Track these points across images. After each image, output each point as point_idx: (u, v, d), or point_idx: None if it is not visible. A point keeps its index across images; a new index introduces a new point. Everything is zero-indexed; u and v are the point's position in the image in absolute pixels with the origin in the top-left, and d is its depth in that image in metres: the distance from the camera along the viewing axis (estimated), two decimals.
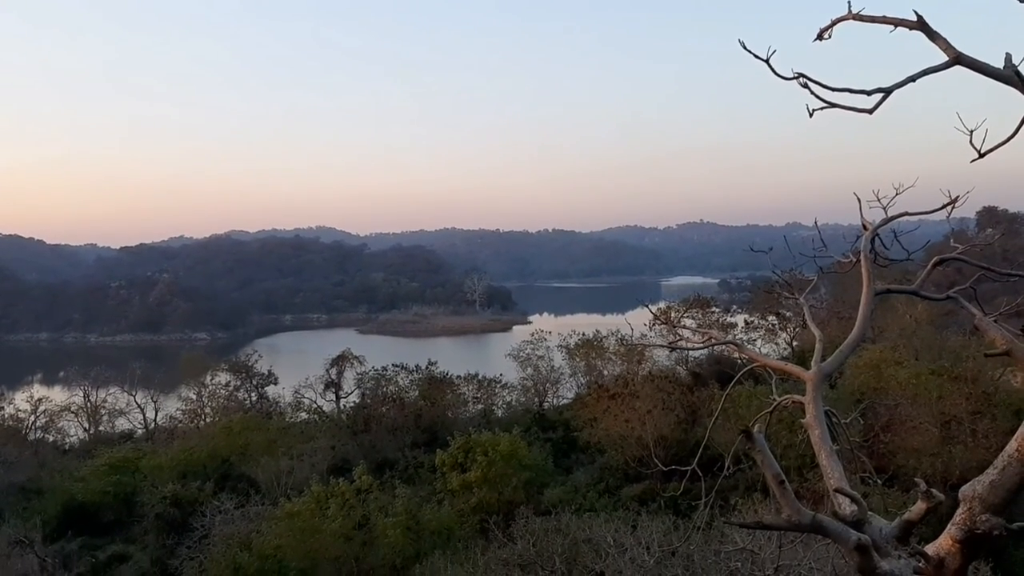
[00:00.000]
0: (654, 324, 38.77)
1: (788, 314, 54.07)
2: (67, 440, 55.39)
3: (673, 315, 38.86)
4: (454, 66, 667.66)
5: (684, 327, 13.89)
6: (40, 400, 56.74)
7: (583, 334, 57.78)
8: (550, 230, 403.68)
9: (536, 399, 55.32)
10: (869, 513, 5.75)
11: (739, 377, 9.05)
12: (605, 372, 52.33)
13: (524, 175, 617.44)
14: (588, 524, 20.13)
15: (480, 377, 53.78)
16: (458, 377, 52.88)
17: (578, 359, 56.04)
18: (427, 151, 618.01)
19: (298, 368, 67.22)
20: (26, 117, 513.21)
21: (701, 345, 10.49)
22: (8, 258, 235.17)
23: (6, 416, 52.72)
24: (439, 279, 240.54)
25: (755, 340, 55.40)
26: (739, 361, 40.49)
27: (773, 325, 57.27)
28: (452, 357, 79.22)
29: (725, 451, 8.18)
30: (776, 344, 56.36)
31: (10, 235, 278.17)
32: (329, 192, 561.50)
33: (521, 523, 20.75)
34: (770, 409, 7.65)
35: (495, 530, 20.99)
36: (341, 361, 57.90)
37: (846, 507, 5.74)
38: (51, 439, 53.74)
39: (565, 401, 54.29)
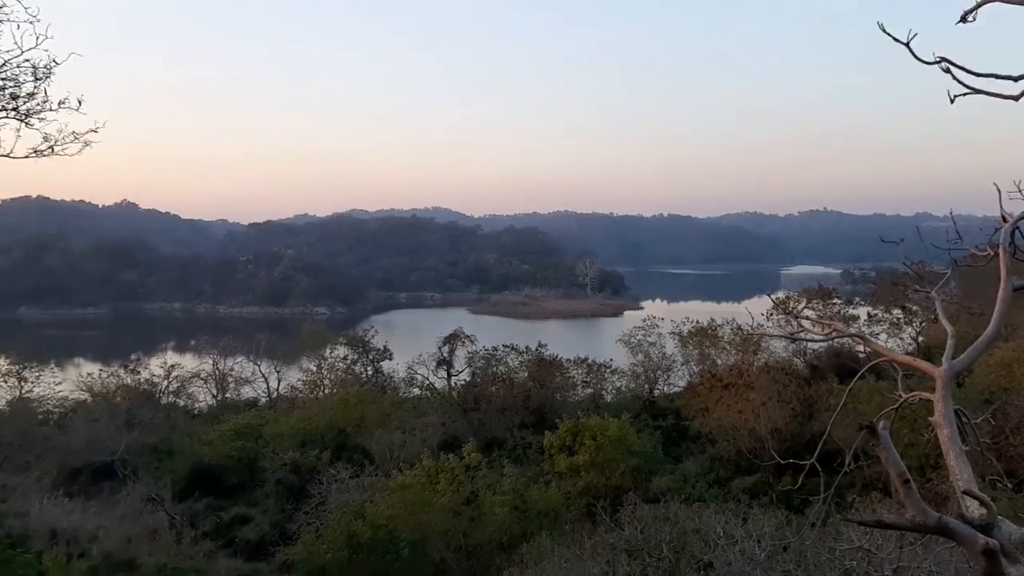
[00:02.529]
0: (772, 314, 37.82)
1: (915, 308, 51.69)
2: (196, 405, 58.17)
3: (793, 305, 37.77)
4: (569, 49, 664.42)
5: (805, 318, 13.45)
6: (173, 366, 59.96)
7: (697, 321, 56.79)
8: (665, 215, 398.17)
9: (646, 386, 54.85)
10: (998, 517, 5.51)
11: (863, 371, 8.77)
12: (719, 361, 51.33)
13: (640, 159, 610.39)
14: (697, 514, 19.89)
15: (590, 361, 53.70)
16: (568, 360, 52.96)
17: (691, 347, 55.18)
18: (543, 134, 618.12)
19: (412, 345, 68.72)
20: (165, 98, 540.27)
21: (823, 337, 10.19)
22: (147, 231, 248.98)
23: (142, 380, 55.78)
24: (551, 262, 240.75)
25: (878, 334, 53.21)
26: (862, 355, 39.02)
27: (898, 319, 54.85)
28: (562, 340, 79.42)
29: (843, 446, 7.95)
30: (900, 339, 53.96)
31: (149, 210, 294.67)
32: (446, 174, 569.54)
33: (629, 509, 20.67)
34: (896, 405, 7.37)
35: (602, 514, 21.02)
36: (453, 340, 58.84)
37: (974, 510, 5.51)
38: (182, 404, 56.51)
39: (676, 389, 53.61)
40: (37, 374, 52.90)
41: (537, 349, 53.53)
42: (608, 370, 53.95)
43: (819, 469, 7.40)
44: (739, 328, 51.54)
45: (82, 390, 52.70)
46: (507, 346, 54.31)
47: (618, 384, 54.20)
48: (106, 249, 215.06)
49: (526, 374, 50.18)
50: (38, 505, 31.23)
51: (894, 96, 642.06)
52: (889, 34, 5.68)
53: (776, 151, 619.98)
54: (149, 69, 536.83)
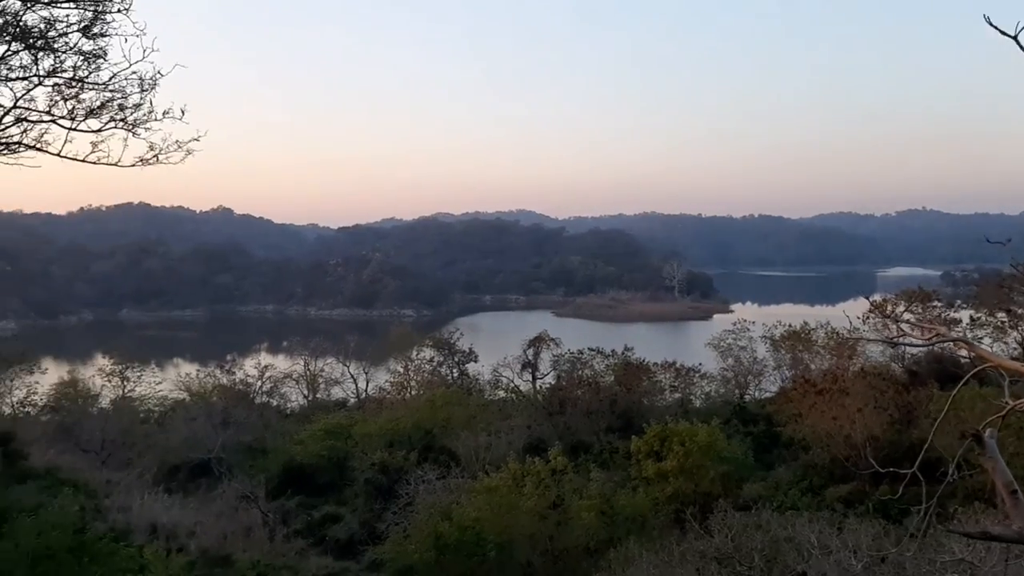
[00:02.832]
0: (869, 317, 36.58)
1: (1021, 311, 49.33)
2: (288, 405, 59.58)
3: (891, 308, 36.48)
4: (655, 48, 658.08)
5: (905, 321, 12.90)
6: (266, 367, 61.68)
7: (789, 325, 55.45)
8: (755, 215, 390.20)
9: (736, 391, 53.81)
10: None
11: (968, 377, 8.35)
12: (812, 366, 49.99)
13: (729, 158, 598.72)
14: (790, 522, 19.34)
15: (678, 365, 52.97)
16: (655, 364, 52.32)
17: (783, 351, 53.91)
18: (627, 135, 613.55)
19: (496, 347, 69.03)
20: (258, 107, 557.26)
21: (924, 342, 9.75)
22: (242, 236, 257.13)
23: (237, 381, 57.46)
24: (637, 264, 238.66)
25: (981, 338, 50.93)
26: (965, 360, 37.43)
27: (1002, 323, 52.40)
28: (648, 343, 78.53)
29: (946, 455, 7.58)
30: (1005, 344, 51.52)
31: (243, 215, 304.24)
32: (530, 176, 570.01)
33: (719, 516, 20.26)
34: (1002, 413, 7.00)
35: (691, 521, 20.64)
36: (538, 342, 58.87)
37: None
38: (275, 403, 57.92)
39: (767, 394, 52.37)
40: (139, 374, 55.09)
41: (623, 352, 53.08)
42: (697, 374, 53.12)
43: (920, 478, 7.08)
44: (834, 332, 50.12)
45: (181, 390, 54.67)
46: (593, 349, 53.98)
47: (707, 389, 53.33)
48: (203, 253, 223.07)
49: (612, 378, 49.77)
50: (139, 501, 32.42)
51: (997, 90, 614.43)
52: (996, 27, 5.41)
53: (872, 148, 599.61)
54: (243, 78, 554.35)
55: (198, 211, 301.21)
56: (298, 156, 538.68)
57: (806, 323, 54.14)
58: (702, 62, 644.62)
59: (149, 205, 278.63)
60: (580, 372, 51.61)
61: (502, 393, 53.55)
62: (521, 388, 54.96)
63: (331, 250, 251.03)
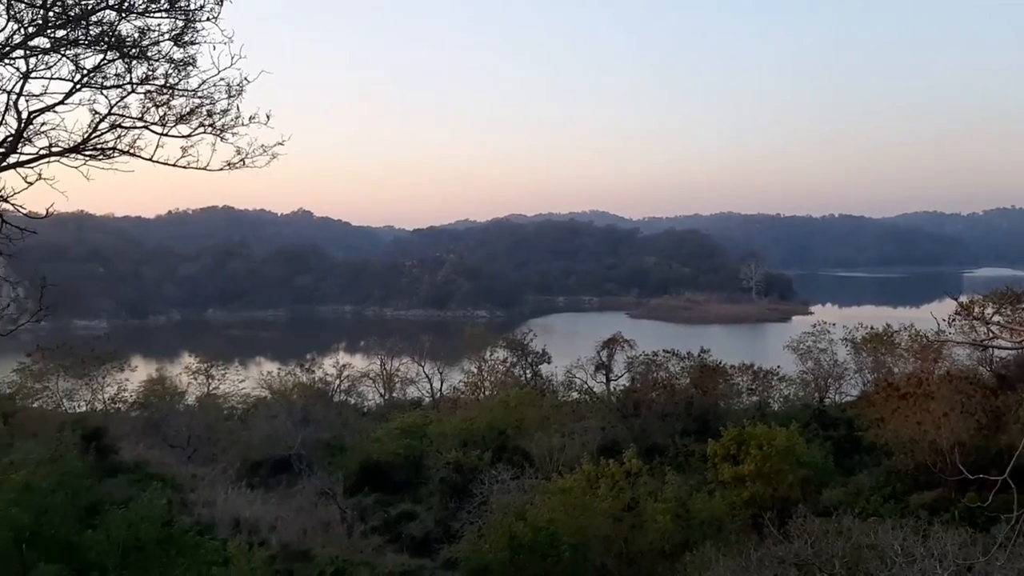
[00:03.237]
0: (954, 319, 35.34)
1: None
2: (365, 403, 60.51)
3: (979, 310, 35.16)
4: (728, 46, 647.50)
5: (995, 323, 12.48)
6: (344, 366, 62.81)
7: (871, 327, 53.92)
8: (836, 215, 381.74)
9: (816, 394, 52.58)
10: None
11: None
12: (895, 369, 48.49)
13: (808, 156, 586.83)
14: (872, 529, 18.85)
15: (755, 368, 52.03)
16: (732, 366, 51.50)
17: (864, 354, 52.45)
18: (704, 134, 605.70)
19: (570, 348, 68.89)
20: (336, 111, 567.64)
21: (1014, 345, 9.39)
22: (321, 238, 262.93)
23: (316, 379, 58.66)
24: (713, 265, 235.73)
25: None
26: None
27: None
28: (725, 345, 77.43)
29: None
30: None
31: (322, 217, 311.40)
32: (604, 177, 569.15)
33: (798, 521, 19.85)
34: None
35: (770, 526, 20.27)
36: (612, 344, 58.56)
37: None
38: (352, 402, 58.91)
39: (848, 398, 51.07)
40: (223, 372, 56.61)
41: (699, 354, 52.36)
42: (775, 377, 52.07)
43: (1011, 485, 6.85)
44: (918, 334, 48.59)
45: (263, 388, 56.07)
46: (668, 351, 53.37)
47: (786, 392, 52.21)
48: (284, 255, 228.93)
49: (688, 380, 49.17)
50: (223, 495, 33.34)
51: None
52: None
53: (958, 145, 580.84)
54: (321, 83, 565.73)
55: (279, 214, 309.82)
56: (375, 159, 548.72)
57: (888, 325, 52.53)
58: (782, 60, 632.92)
59: (233, 208, 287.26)
60: (655, 374, 51.12)
61: (576, 394, 53.41)
62: (595, 390, 54.72)
63: (406, 251, 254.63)
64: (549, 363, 60.50)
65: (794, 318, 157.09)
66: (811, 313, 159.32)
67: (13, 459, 23.33)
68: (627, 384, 53.33)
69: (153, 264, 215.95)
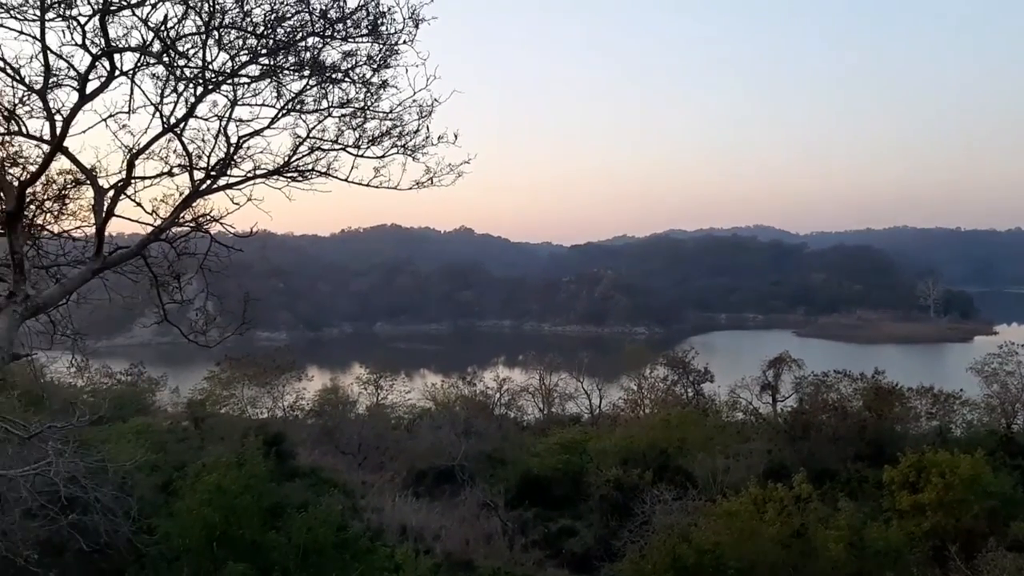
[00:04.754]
0: None
1: None
2: (525, 417, 61.08)
3: None
4: (902, 50, 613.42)
5: None
6: (504, 380, 63.76)
7: None
8: (1022, 228, 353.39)
9: (1003, 420, 48.78)
10: None
11: None
12: None
13: (989, 166, 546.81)
14: None
15: (935, 391, 48.89)
16: (908, 389, 48.63)
17: None
18: (875, 145, 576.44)
19: (733, 367, 67.07)
20: (497, 130, 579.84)
21: None
22: (481, 255, 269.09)
23: (477, 392, 59.83)
24: (886, 281, 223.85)
25: None
26: None
27: None
28: (901, 367, 73.39)
29: None
30: None
31: (483, 234, 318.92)
32: (769, 190, 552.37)
33: (988, 556, 18.50)
34: None
35: (956, 560, 19.00)
36: (778, 363, 56.59)
37: None
38: (512, 415, 59.50)
39: None
40: (391, 383, 58.79)
41: (873, 376, 49.76)
42: (957, 401, 48.72)
43: None
44: None
45: (427, 399, 57.75)
46: (839, 371, 51.05)
47: (969, 417, 48.75)
48: (447, 271, 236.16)
49: (861, 402, 46.79)
50: (391, 503, 34.59)
51: None
52: None
53: None
54: (481, 102, 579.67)
55: (442, 231, 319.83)
56: (533, 176, 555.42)
57: None
58: (962, 64, 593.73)
59: (400, 226, 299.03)
60: (825, 395, 48.93)
61: (740, 415, 51.95)
62: (760, 411, 53.03)
63: (563, 268, 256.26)
64: (712, 382, 59.11)
65: (976, 338, 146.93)
66: (995, 333, 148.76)
67: (205, 461, 25.09)
68: (795, 405, 51.41)
69: (328, 280, 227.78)
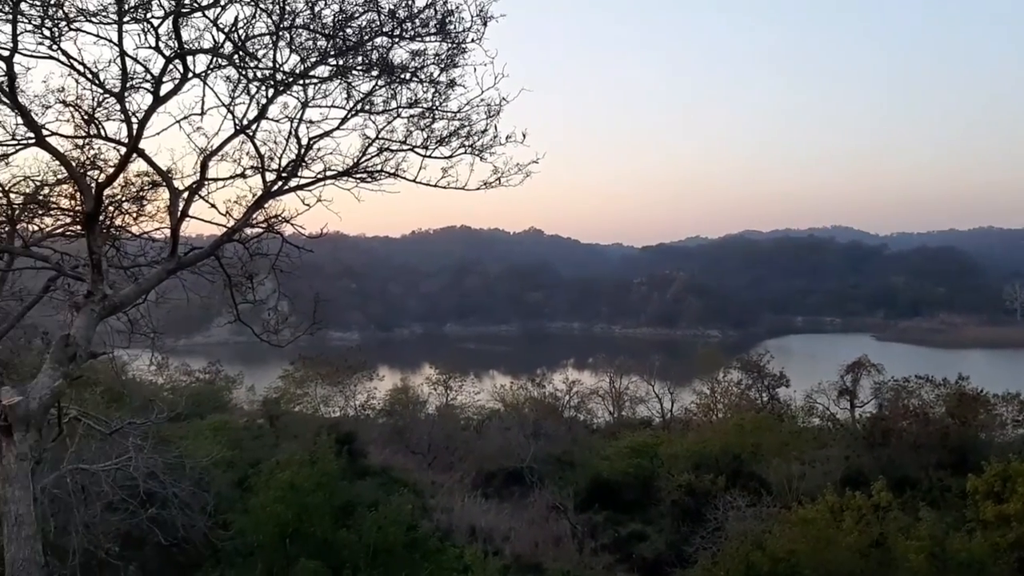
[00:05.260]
0: None
1: None
2: (595, 420, 60.67)
3: None
4: (986, 47, 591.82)
5: None
6: (574, 382, 63.45)
7: None
8: None
9: None
10: None
11: None
12: None
13: None
14: None
15: (1022, 397, 46.92)
16: (994, 395, 46.79)
17: None
18: (958, 142, 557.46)
19: (809, 371, 65.56)
20: (565, 130, 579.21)
21: None
22: (552, 256, 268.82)
23: (546, 394, 59.66)
24: (971, 284, 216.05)
25: None
26: None
27: None
28: (986, 372, 70.65)
29: None
30: None
31: (552, 235, 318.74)
32: (848, 190, 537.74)
33: None
34: None
35: None
36: (857, 368, 55.08)
37: None
38: (581, 418, 59.19)
39: None
40: (460, 384, 59.12)
41: (957, 381, 48.03)
42: None
43: None
44: None
45: (496, 400, 57.86)
46: (920, 377, 49.46)
47: None
48: (516, 272, 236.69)
49: (943, 409, 45.22)
50: (460, 503, 34.69)
51: None
52: None
53: None
54: (549, 102, 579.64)
55: (511, 232, 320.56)
56: (603, 176, 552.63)
57: None
58: None
59: (469, 228, 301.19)
60: (906, 401, 47.50)
61: (816, 420, 50.70)
62: (838, 416, 51.69)
63: (634, 269, 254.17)
64: (787, 386, 57.77)
65: None
66: None
67: (279, 459, 25.52)
68: (874, 411, 50.02)
69: (398, 281, 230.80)
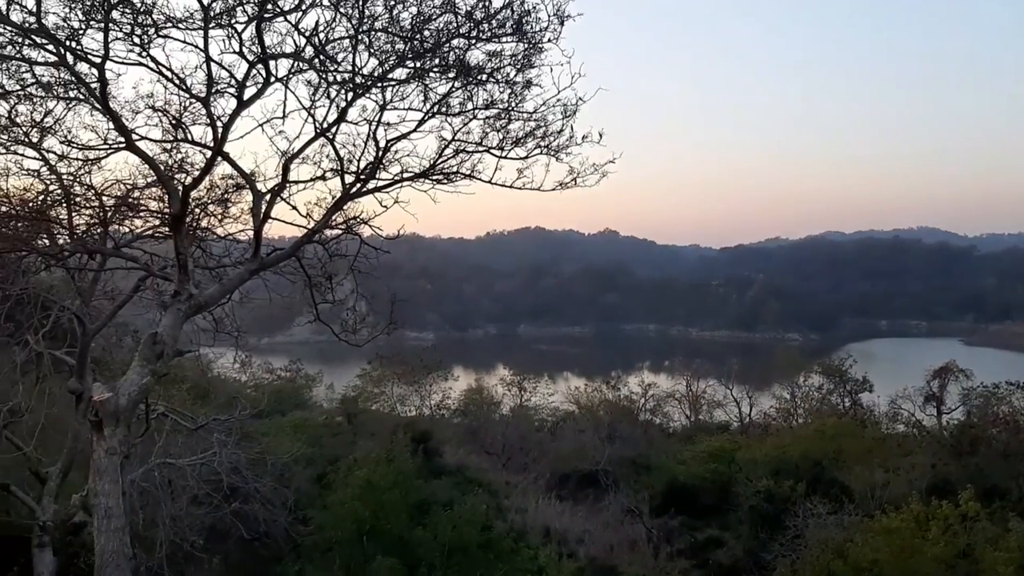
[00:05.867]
0: None
1: None
2: (671, 424, 59.90)
3: None
4: None
5: None
6: (649, 385, 62.80)
7: None
8: None
9: None
10: None
11: None
12: None
13: None
14: None
15: None
16: None
17: None
18: None
19: (893, 377, 63.56)
20: (642, 132, 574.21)
21: None
22: (627, 258, 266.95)
23: (621, 396, 59.18)
24: None
25: None
26: None
27: None
28: None
29: None
30: None
31: (628, 237, 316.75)
32: (935, 189, 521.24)
33: None
34: None
35: None
36: (944, 373, 53.26)
37: None
38: (657, 421, 58.54)
39: None
40: (534, 385, 59.08)
41: None
42: None
43: None
44: None
45: (570, 402, 57.62)
46: (1011, 383, 47.51)
47: None
48: (591, 274, 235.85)
49: None
50: (534, 504, 34.67)
51: None
52: None
53: None
54: (624, 103, 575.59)
55: (586, 234, 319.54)
56: (680, 177, 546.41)
57: None
58: None
59: (544, 229, 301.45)
60: (996, 408, 45.67)
61: (901, 427, 49.14)
62: (923, 423, 50.01)
63: (712, 271, 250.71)
64: (870, 392, 56.13)
65: None
66: None
67: (356, 456, 25.91)
68: (962, 418, 48.20)
69: (472, 281, 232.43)
